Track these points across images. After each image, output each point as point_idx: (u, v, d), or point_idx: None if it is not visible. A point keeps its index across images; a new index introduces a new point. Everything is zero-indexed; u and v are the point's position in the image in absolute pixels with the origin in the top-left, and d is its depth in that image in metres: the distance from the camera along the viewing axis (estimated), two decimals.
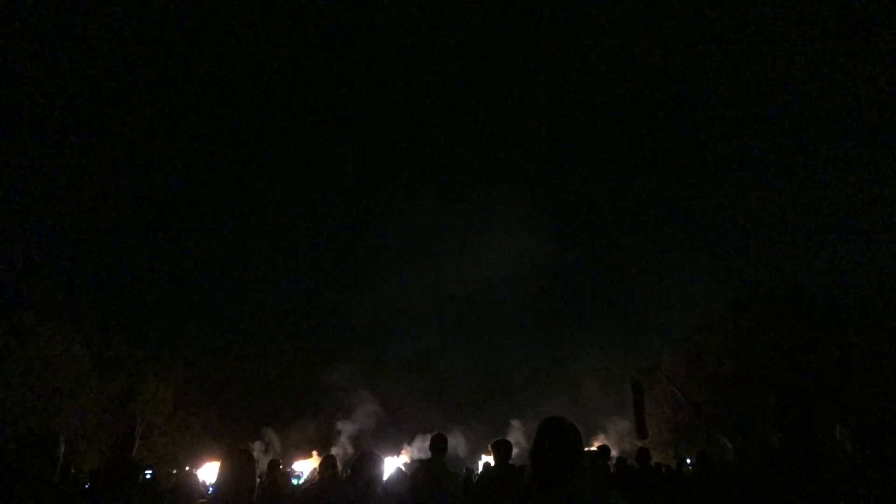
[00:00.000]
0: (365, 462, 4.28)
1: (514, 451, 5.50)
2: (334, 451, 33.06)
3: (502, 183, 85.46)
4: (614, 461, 9.57)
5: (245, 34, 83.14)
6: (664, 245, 76.20)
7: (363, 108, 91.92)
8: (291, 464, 28.70)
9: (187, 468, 22.50)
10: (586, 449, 5.52)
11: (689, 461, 18.27)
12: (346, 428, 33.92)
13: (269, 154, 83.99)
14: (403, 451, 31.40)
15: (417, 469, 5.48)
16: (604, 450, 8.60)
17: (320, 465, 7.22)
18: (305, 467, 28.50)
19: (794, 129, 70.99)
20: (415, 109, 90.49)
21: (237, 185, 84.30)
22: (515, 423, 33.84)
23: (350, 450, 32.70)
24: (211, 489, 4.24)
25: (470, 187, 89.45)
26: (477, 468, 20.67)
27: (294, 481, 16.83)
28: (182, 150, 75.28)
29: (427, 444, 5.78)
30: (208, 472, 19.01)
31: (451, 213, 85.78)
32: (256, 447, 31.32)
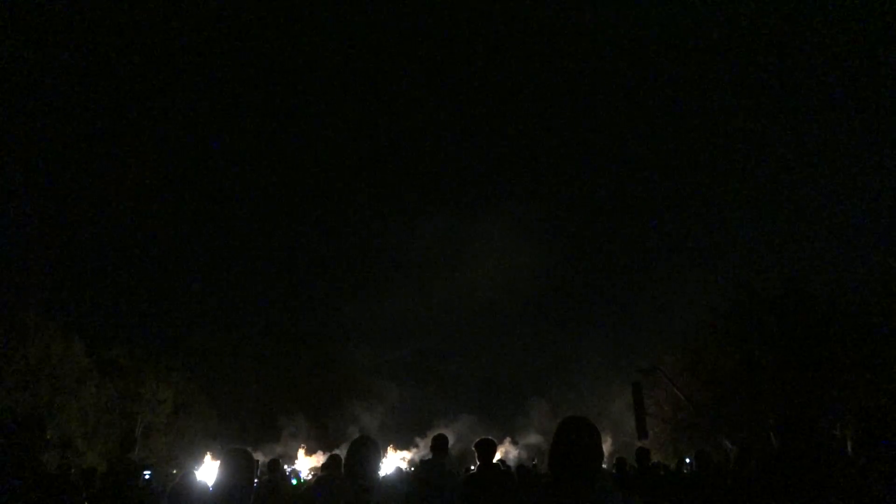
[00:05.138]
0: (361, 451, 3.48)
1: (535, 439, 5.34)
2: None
3: (502, 187, 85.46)
4: (614, 461, 9.57)
5: (254, 40, 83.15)
6: (664, 246, 76.16)
7: (369, 119, 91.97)
8: (294, 462, 28.68)
9: (176, 471, 22.49)
10: None
11: (688, 461, 18.27)
12: (362, 417, 33.98)
13: (275, 160, 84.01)
14: (409, 451, 31.39)
15: (417, 469, 5.44)
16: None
17: (323, 464, 7.19)
18: (305, 466, 28.47)
19: (792, 129, 70.96)
20: (419, 122, 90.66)
21: (241, 187, 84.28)
22: (537, 400, 33.89)
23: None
24: (210, 489, 4.22)
25: (471, 195, 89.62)
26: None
27: (293, 481, 16.78)
28: (186, 151, 75.29)
29: (459, 440, 5.68)
30: (208, 473, 18.97)
31: (455, 222, 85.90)
32: (299, 433, 31.56)
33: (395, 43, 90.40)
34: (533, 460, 23.17)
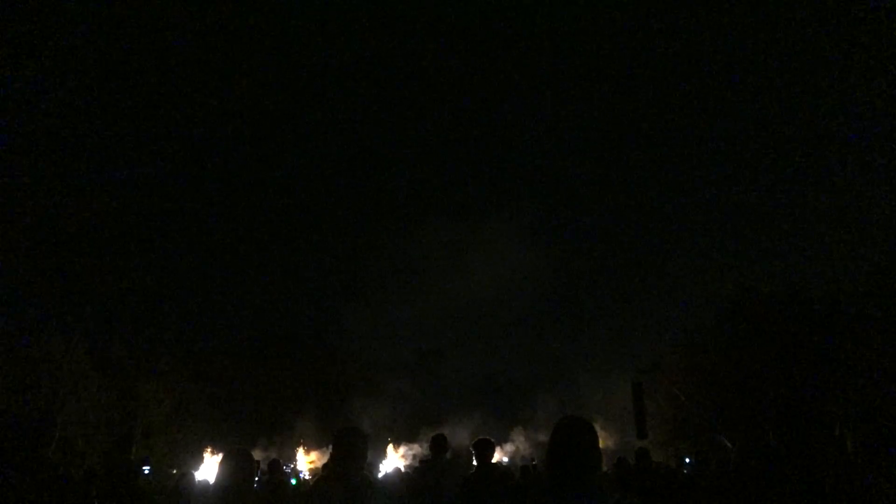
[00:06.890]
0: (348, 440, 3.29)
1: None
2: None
3: (504, 188, 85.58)
4: (614, 460, 9.58)
5: (256, 41, 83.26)
6: (664, 247, 76.24)
7: (370, 121, 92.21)
8: (293, 462, 28.65)
9: (176, 471, 22.44)
10: None
11: (688, 461, 18.26)
12: (366, 415, 33.80)
13: (279, 161, 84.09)
14: (418, 445, 31.29)
15: (418, 469, 5.42)
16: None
17: (324, 464, 7.18)
18: (305, 466, 28.45)
19: (790, 129, 70.97)
20: (420, 125, 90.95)
21: (244, 188, 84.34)
22: (543, 398, 33.83)
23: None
24: (211, 489, 4.22)
25: (473, 197, 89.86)
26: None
27: (293, 481, 16.78)
28: (187, 151, 75.36)
29: (468, 441, 5.66)
30: (208, 472, 18.95)
31: (457, 224, 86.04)
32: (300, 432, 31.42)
33: (395, 47, 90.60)
34: (533, 460, 23.14)
